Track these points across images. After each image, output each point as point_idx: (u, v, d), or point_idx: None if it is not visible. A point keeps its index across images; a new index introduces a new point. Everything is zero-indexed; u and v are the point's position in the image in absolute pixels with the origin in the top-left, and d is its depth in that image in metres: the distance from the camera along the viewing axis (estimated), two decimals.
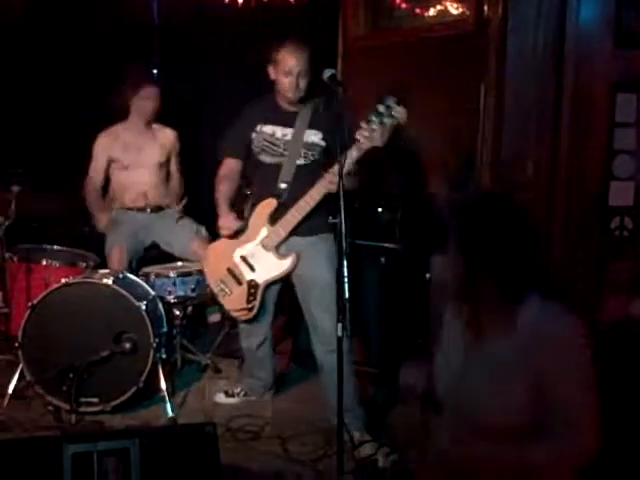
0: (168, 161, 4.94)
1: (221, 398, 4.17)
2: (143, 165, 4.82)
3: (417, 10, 5.15)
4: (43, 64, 6.01)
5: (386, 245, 4.47)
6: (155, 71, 5.99)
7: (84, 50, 5.93)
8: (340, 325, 3.02)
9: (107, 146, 4.80)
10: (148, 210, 4.80)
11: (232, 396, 4.18)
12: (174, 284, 4.35)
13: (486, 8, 4.38)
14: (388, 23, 5.29)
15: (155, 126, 4.92)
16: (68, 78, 5.91)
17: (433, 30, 4.86)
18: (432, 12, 5.05)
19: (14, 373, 3.95)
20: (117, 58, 5.86)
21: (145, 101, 4.78)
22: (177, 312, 4.40)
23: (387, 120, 3.41)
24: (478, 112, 4.39)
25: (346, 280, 3.01)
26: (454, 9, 4.88)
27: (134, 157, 4.78)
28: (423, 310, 4.65)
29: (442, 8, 4.96)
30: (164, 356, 4.07)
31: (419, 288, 4.63)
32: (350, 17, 5.37)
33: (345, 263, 3.01)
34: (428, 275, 4.60)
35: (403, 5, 5.21)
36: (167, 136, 4.91)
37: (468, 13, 4.64)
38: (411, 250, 4.54)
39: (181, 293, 4.35)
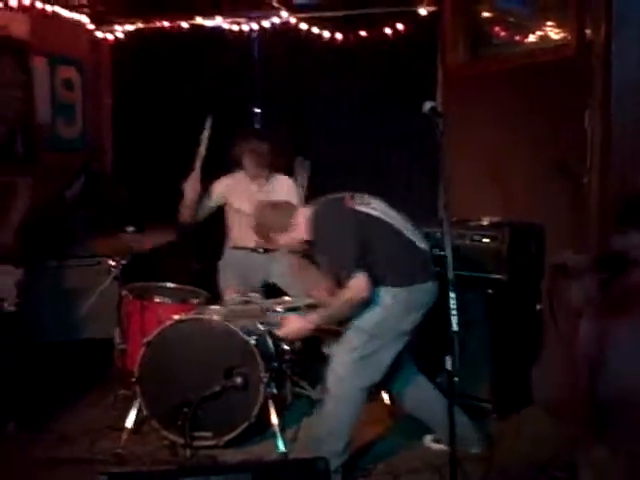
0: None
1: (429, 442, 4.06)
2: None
3: (517, 37, 5.11)
4: (154, 105, 6.29)
5: (493, 276, 4.40)
6: (258, 110, 6.15)
7: (190, 90, 6.18)
8: (449, 358, 2.98)
9: (224, 190, 4.98)
10: (260, 250, 4.91)
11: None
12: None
13: (588, 31, 4.29)
14: (488, 51, 5.26)
15: (271, 174, 5.03)
16: (179, 118, 6.16)
17: (534, 56, 4.81)
18: (532, 38, 5.00)
19: (132, 408, 4.08)
20: (221, 97, 6.08)
21: (254, 155, 4.88)
22: (286, 347, 4.44)
23: None
24: (584, 136, 4.28)
25: (453, 312, 2.98)
26: (555, 34, 4.81)
27: (248, 204, 4.91)
28: (534, 342, 4.56)
29: (542, 34, 4.91)
30: (275, 391, 4.11)
31: (529, 319, 4.55)
32: (449, 47, 5.38)
33: (452, 295, 2.98)
34: (539, 306, 4.52)
35: (502, 33, 5.18)
36: (281, 184, 4.99)
37: (569, 37, 4.57)
38: (519, 280, 4.46)
39: None
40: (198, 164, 4.80)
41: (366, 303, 3.43)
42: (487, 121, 5.01)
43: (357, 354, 3.51)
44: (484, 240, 4.45)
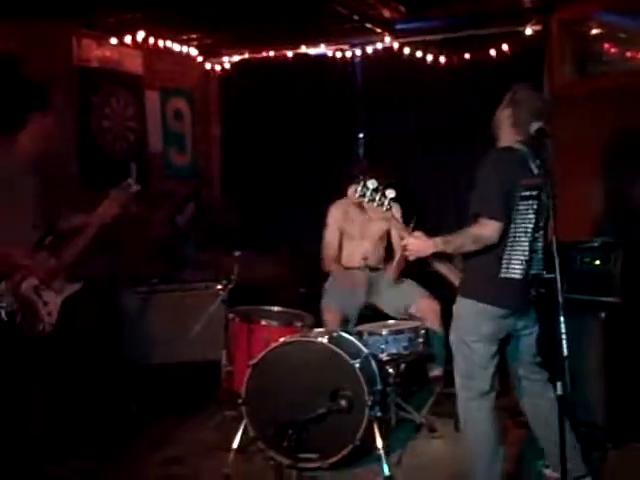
0: (389, 233, 5.10)
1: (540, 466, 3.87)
2: (366, 237, 5.14)
3: (628, 54, 4.96)
4: (261, 133, 6.45)
5: (605, 299, 4.25)
6: (361, 135, 6.20)
7: (295, 117, 6.29)
8: (560, 384, 2.89)
9: (339, 218, 5.15)
10: (367, 269, 4.95)
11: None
12: (386, 342, 4.38)
13: None
14: (597, 69, 5.13)
15: None
16: (284, 146, 6.29)
17: None
18: None
19: (238, 429, 4.14)
20: (325, 123, 6.16)
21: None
22: (390, 370, 4.41)
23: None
24: None
25: (564, 337, 2.89)
26: None
27: (359, 231, 5.11)
28: None
29: None
30: (379, 414, 4.08)
31: None
32: (556, 66, 5.28)
33: (562, 319, 2.89)
34: None
35: (612, 49, 5.04)
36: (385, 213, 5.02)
37: None
38: (633, 303, 4.28)
39: (393, 351, 4.37)
40: None
41: (487, 247, 3.31)
42: (597, 140, 4.89)
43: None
44: (596, 262, 4.31)
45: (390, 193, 3.44)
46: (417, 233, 3.48)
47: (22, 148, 3.74)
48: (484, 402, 3.45)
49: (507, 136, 3.46)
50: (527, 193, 3.35)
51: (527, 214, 3.35)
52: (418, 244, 3.44)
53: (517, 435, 4.20)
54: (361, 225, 5.15)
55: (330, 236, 5.18)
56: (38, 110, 3.73)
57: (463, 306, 3.46)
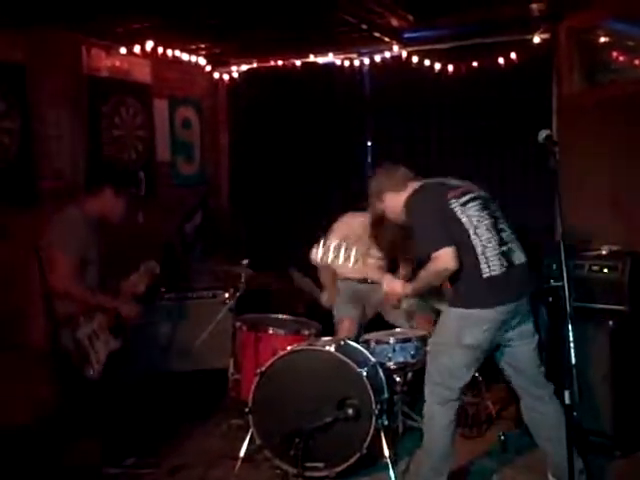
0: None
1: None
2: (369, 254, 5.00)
3: (636, 62, 4.94)
4: (268, 142, 6.47)
5: (613, 307, 4.23)
6: (369, 144, 6.20)
7: (302, 125, 6.31)
8: (568, 392, 2.87)
9: (341, 230, 5.00)
10: (369, 280, 4.93)
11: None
12: (394, 350, 4.37)
13: None
14: (605, 77, 5.11)
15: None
16: (292, 154, 6.31)
17: None
18: None
19: (245, 437, 4.13)
20: (333, 131, 6.18)
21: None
22: (397, 378, 4.40)
23: None
24: None
25: (571, 345, 2.87)
26: None
27: (362, 249, 4.95)
28: None
29: None
30: (386, 422, 4.08)
31: None
32: (564, 74, 5.27)
33: (570, 327, 2.87)
34: None
35: (621, 58, 5.03)
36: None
37: None
38: None
39: (400, 359, 4.36)
40: None
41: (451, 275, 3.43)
42: (605, 148, 4.87)
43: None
44: (604, 270, 4.29)
45: (355, 251, 3.59)
46: (388, 277, 3.81)
47: (86, 213, 4.12)
48: (448, 410, 3.54)
49: (402, 194, 3.70)
50: (464, 199, 3.51)
51: (479, 214, 3.49)
52: (393, 287, 3.73)
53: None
54: (364, 243, 5.04)
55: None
56: (112, 188, 4.15)
57: (449, 315, 3.55)
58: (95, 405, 4.01)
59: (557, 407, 3.53)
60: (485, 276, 3.40)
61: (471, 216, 3.47)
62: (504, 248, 3.46)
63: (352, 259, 3.60)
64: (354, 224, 4.75)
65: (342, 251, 3.59)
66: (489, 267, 3.40)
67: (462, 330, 3.43)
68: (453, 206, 3.47)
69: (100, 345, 4.04)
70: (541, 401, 3.59)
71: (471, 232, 3.43)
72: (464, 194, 3.53)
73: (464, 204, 3.49)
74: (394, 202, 3.74)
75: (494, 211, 3.56)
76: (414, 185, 3.69)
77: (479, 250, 3.42)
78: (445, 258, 3.37)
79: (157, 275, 4.32)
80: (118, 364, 4.10)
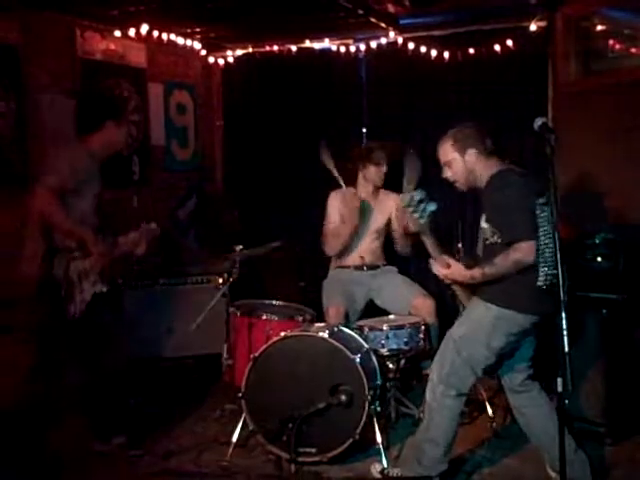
0: (389, 224, 5.07)
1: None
2: (364, 231, 5.03)
3: (633, 50, 4.94)
4: (264, 127, 6.45)
5: (607, 296, 4.24)
6: (364, 130, 6.19)
7: (298, 111, 6.29)
8: (560, 380, 2.88)
9: (339, 206, 5.02)
10: (364, 268, 4.96)
11: None
12: (387, 337, 4.38)
13: None
14: (601, 65, 5.11)
15: (382, 192, 5.06)
16: (287, 139, 6.29)
17: None
18: None
19: (238, 422, 4.14)
20: (329, 117, 6.16)
21: (375, 167, 4.94)
22: (390, 365, 4.42)
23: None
24: None
25: (565, 333, 2.88)
26: None
27: (357, 223, 4.97)
28: None
29: None
30: (379, 409, 4.09)
31: None
32: (561, 62, 5.26)
33: (564, 315, 2.88)
34: None
35: (617, 45, 5.02)
36: (388, 203, 5.02)
37: None
38: (636, 300, 4.27)
39: (394, 346, 4.38)
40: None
41: (529, 267, 3.32)
42: (600, 136, 4.87)
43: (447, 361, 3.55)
44: (597, 259, 4.30)
45: (431, 206, 3.47)
46: (452, 261, 3.54)
47: (91, 149, 4.12)
48: (459, 401, 3.54)
49: (489, 167, 3.52)
50: (542, 200, 3.39)
51: (546, 220, 3.38)
52: (457, 273, 3.52)
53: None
54: (360, 217, 5.02)
55: (334, 219, 5.05)
56: (114, 120, 4.16)
57: (485, 311, 3.45)
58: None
59: (546, 401, 3.59)
60: (539, 283, 3.36)
61: (543, 220, 3.38)
62: (552, 263, 3.35)
63: (424, 218, 3.50)
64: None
65: (421, 206, 3.47)
66: (543, 275, 3.36)
67: (495, 331, 3.40)
68: (537, 203, 3.37)
69: (87, 285, 4.00)
70: (529, 398, 3.63)
71: (541, 235, 3.36)
72: (543, 195, 3.40)
73: (542, 205, 3.39)
74: (473, 163, 3.55)
75: (552, 221, 3.40)
76: (500, 164, 3.53)
77: (541, 255, 3.34)
78: (528, 251, 3.27)
79: (157, 237, 4.32)
80: (103, 309, 4.11)
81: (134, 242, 4.20)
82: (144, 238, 4.23)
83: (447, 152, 3.62)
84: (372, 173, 4.99)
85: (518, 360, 3.62)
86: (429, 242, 3.57)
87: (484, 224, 3.51)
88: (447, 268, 3.53)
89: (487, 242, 3.51)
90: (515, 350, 3.58)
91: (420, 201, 3.45)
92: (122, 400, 4.39)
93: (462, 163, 3.57)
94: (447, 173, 3.66)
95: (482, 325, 3.45)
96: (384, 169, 4.99)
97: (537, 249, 3.31)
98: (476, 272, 3.44)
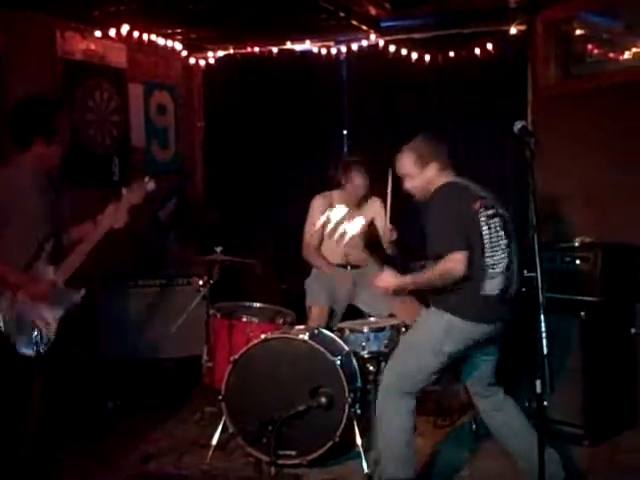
0: (372, 224, 5.05)
1: None
2: (345, 236, 4.99)
3: (611, 54, 4.98)
4: (244, 128, 6.44)
5: (585, 298, 4.27)
6: (345, 132, 6.19)
7: (279, 112, 6.28)
8: (539, 382, 2.89)
9: (323, 209, 4.99)
10: (348, 268, 4.95)
11: None
12: (368, 339, 4.37)
13: None
14: (580, 69, 5.15)
15: (371, 199, 5.04)
16: (268, 141, 6.28)
17: (629, 74, 4.67)
18: (627, 55, 4.85)
19: (218, 425, 4.13)
20: (310, 119, 6.16)
21: (356, 189, 4.92)
22: (371, 367, 4.40)
23: None
24: None
25: (544, 335, 2.90)
26: None
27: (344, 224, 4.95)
28: (628, 366, 4.40)
29: (637, 50, 4.76)
30: (359, 411, 4.09)
31: (623, 342, 4.40)
32: (540, 66, 5.30)
33: (542, 317, 2.89)
34: (633, 330, 4.37)
35: (596, 50, 5.06)
36: (375, 207, 5.00)
37: None
38: (613, 303, 4.31)
39: (374, 348, 4.36)
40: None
41: (476, 276, 3.36)
42: (579, 140, 4.91)
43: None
44: (576, 261, 4.34)
45: (353, 228, 3.48)
46: (388, 270, 3.59)
47: (25, 168, 3.59)
48: (409, 405, 3.51)
49: (441, 180, 3.54)
50: (491, 212, 3.42)
51: (497, 233, 3.42)
52: (388, 280, 3.57)
53: None
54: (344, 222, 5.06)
55: (314, 224, 4.96)
56: (42, 137, 3.55)
57: (436, 318, 3.47)
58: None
59: (512, 404, 3.62)
60: (483, 294, 3.38)
61: (492, 232, 3.41)
62: (508, 273, 3.43)
63: (347, 235, 3.50)
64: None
65: (342, 225, 3.48)
66: (491, 286, 3.39)
67: (447, 337, 3.41)
68: (480, 216, 3.39)
69: (48, 312, 3.52)
70: (495, 402, 3.64)
71: (487, 247, 3.39)
72: (491, 207, 3.44)
73: (490, 217, 3.42)
74: (431, 178, 3.55)
75: (510, 233, 3.49)
76: (447, 176, 3.56)
77: (488, 267, 3.38)
78: (456, 262, 3.30)
79: (150, 194, 3.79)
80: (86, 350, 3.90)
81: (110, 216, 3.65)
82: (136, 194, 3.70)
83: (409, 165, 3.61)
84: (351, 190, 4.95)
85: (482, 366, 3.61)
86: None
87: None
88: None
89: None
90: (477, 356, 3.58)
91: (339, 221, 3.49)
92: (100, 403, 4.34)
93: (422, 176, 3.58)
94: (408, 184, 3.66)
95: (433, 331, 3.46)
96: (362, 185, 4.95)
97: (479, 259, 3.34)
98: (407, 279, 3.53)
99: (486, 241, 3.40)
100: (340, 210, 3.41)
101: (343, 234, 3.44)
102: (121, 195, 3.69)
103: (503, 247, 3.43)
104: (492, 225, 3.42)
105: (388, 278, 3.58)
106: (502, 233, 3.44)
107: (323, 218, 3.41)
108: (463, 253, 3.30)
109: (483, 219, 3.40)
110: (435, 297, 3.50)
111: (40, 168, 3.62)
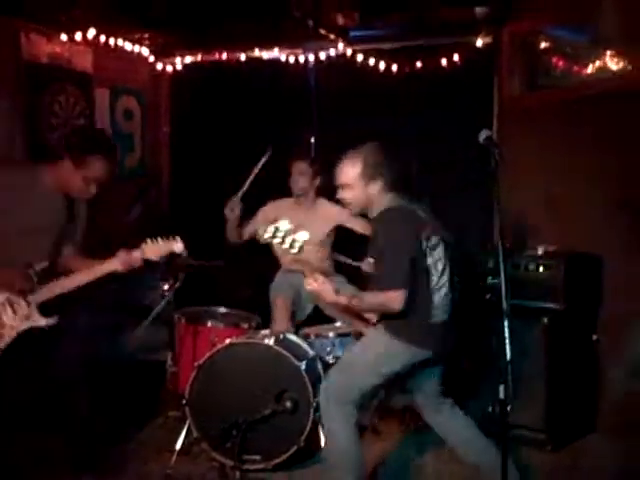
0: (335, 230, 5.04)
1: None
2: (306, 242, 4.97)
3: (575, 68, 5.06)
4: (211, 135, 6.43)
5: (548, 305, 4.33)
6: (312, 140, 6.21)
7: (246, 120, 6.28)
8: (502, 387, 2.92)
9: (271, 215, 4.96)
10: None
11: None
12: (333, 344, 4.40)
13: None
14: (545, 82, 5.22)
15: (320, 201, 5.05)
16: (235, 148, 6.27)
17: (593, 87, 4.76)
18: (590, 69, 4.94)
19: (182, 430, 4.10)
20: (277, 127, 6.16)
21: (296, 176, 4.94)
22: None
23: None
24: None
25: (507, 341, 2.93)
26: (614, 64, 4.76)
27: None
28: (590, 372, 4.47)
29: (601, 64, 4.85)
30: None
31: (585, 349, 4.48)
32: (506, 78, 5.36)
33: (506, 324, 2.93)
34: (595, 336, 4.45)
35: (560, 63, 5.14)
36: (330, 212, 4.98)
37: (631, 67, 4.51)
38: (575, 310, 4.38)
39: (340, 353, 4.38)
40: (242, 189, 4.84)
41: (420, 303, 3.37)
42: (544, 151, 4.98)
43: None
44: (539, 269, 4.40)
45: (303, 236, 3.42)
46: (322, 279, 3.46)
47: (41, 177, 3.75)
48: (349, 410, 3.44)
49: (384, 201, 3.48)
50: (434, 241, 3.42)
51: (440, 259, 3.43)
52: (325, 292, 3.45)
53: None
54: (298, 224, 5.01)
55: (255, 221, 5.00)
56: (71, 158, 3.72)
57: (380, 338, 3.43)
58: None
59: (460, 414, 3.63)
60: (431, 321, 3.40)
61: (435, 259, 3.41)
62: (446, 301, 3.45)
63: (296, 248, 3.44)
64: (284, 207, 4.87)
65: (289, 238, 3.42)
66: (436, 313, 3.41)
67: (386, 358, 3.40)
68: (423, 245, 3.38)
69: (9, 317, 3.62)
70: (442, 411, 3.64)
71: (433, 274, 3.40)
72: (434, 234, 3.43)
73: (433, 246, 3.41)
74: (373, 196, 3.48)
75: (450, 259, 3.49)
76: (391, 199, 3.49)
77: (434, 294, 3.40)
78: (396, 300, 3.27)
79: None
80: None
81: (119, 261, 3.79)
82: (136, 257, 3.81)
83: (352, 176, 3.48)
84: (293, 186, 4.97)
85: (426, 380, 3.60)
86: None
87: (370, 259, 3.47)
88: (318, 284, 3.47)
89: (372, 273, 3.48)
90: (422, 372, 3.55)
91: (287, 232, 3.39)
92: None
93: (364, 190, 3.48)
94: (344, 194, 3.56)
95: (375, 350, 3.44)
96: (300, 179, 4.96)
97: (426, 285, 3.36)
98: (343, 298, 3.42)
99: (431, 269, 3.40)
100: (283, 223, 3.37)
101: (293, 243, 3.36)
102: (139, 245, 3.79)
103: (446, 274, 3.43)
104: (436, 252, 3.42)
105: (326, 291, 3.45)
106: (445, 260, 3.44)
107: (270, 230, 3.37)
108: (403, 292, 3.27)
109: (425, 246, 3.39)
110: (382, 317, 3.47)
111: (57, 186, 3.75)
